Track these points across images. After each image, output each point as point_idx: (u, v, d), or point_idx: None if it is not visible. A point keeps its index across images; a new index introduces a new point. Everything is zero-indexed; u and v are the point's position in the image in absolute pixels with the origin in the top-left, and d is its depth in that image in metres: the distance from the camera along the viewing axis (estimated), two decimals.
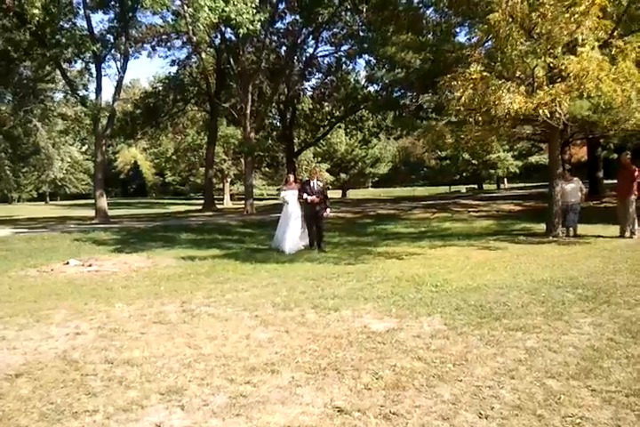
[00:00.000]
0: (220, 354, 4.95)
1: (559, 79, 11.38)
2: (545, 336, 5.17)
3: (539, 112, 10.96)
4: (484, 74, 11.39)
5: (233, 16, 19.72)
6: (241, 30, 20.77)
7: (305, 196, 12.68)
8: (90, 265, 11.28)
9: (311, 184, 12.92)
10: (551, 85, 11.15)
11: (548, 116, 11.21)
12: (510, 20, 11.24)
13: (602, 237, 13.28)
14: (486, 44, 14.39)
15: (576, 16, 10.51)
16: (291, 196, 13.03)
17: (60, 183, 66.82)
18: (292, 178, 13.69)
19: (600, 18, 10.77)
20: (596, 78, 10.37)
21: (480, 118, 12.30)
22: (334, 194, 60.79)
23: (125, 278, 9.73)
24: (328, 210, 13.09)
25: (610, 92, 10.49)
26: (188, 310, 6.74)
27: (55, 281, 9.70)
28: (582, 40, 10.78)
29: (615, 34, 11.97)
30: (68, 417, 3.73)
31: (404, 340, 5.20)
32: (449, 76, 12.25)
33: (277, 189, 14.10)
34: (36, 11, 20.60)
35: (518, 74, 12.31)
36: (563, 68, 10.72)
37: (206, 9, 19.26)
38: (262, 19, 21.47)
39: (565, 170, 14.92)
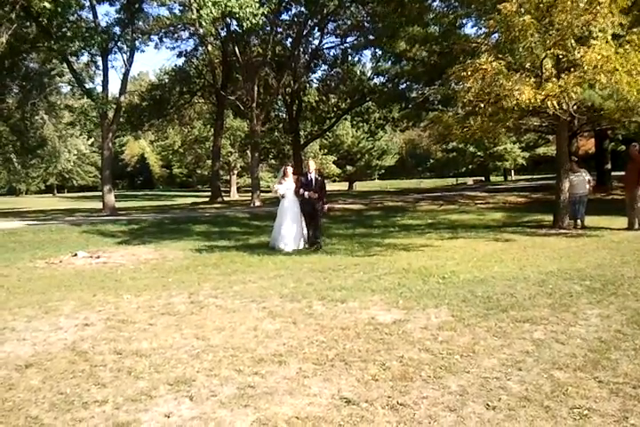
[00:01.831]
0: (228, 345, 4.97)
1: (568, 71, 11.32)
2: (552, 328, 5.16)
3: (547, 104, 10.92)
4: (495, 64, 11.34)
5: (236, 10, 19.70)
6: (244, 24, 20.76)
7: (302, 191, 11.69)
8: (98, 257, 11.33)
9: (309, 177, 11.83)
10: (561, 77, 11.11)
11: (557, 107, 11.16)
12: (522, 10, 11.18)
13: (610, 229, 13.23)
14: (493, 36, 14.33)
15: (598, 8, 10.44)
16: (287, 189, 11.93)
17: (67, 175, 67.14)
18: (290, 170, 12.26)
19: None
20: (613, 69, 10.32)
21: (490, 109, 12.27)
22: (341, 186, 60.86)
23: (133, 270, 9.76)
24: (326, 206, 12.17)
25: (623, 84, 10.43)
26: (195, 302, 6.77)
27: (63, 273, 9.75)
28: (598, 32, 10.72)
29: (625, 26, 11.90)
30: (78, 407, 3.76)
31: (411, 331, 5.21)
32: (458, 66, 12.22)
33: (278, 183, 12.91)
34: (46, 4, 20.61)
35: (528, 66, 12.25)
36: (578, 57, 10.67)
37: (210, 4, 19.27)
38: (265, 12, 21.43)
39: (573, 161, 14.87)
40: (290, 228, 11.76)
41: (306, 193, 11.60)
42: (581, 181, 14.19)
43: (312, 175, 11.81)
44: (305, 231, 12.01)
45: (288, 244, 11.66)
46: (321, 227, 12.34)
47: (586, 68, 10.55)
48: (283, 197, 11.97)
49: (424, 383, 3.98)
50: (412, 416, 3.48)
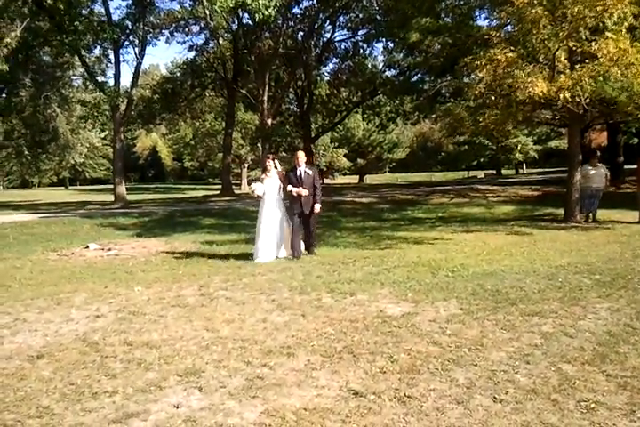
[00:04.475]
0: (237, 337, 5.00)
1: (582, 63, 11.23)
2: (561, 321, 5.15)
3: (559, 96, 10.85)
4: (510, 55, 11.28)
5: (249, 2, 19.71)
6: (256, 15, 20.77)
7: (290, 188, 9.66)
8: (109, 249, 11.43)
9: (298, 172, 9.76)
10: (574, 69, 11.04)
11: (569, 100, 11.09)
12: (535, 2, 11.10)
13: (621, 222, 13.16)
14: (506, 28, 14.25)
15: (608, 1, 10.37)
16: (267, 187, 9.68)
17: (79, 168, 67.45)
18: (271, 164, 9.92)
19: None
20: (629, 62, 10.25)
21: (501, 101, 12.21)
22: (351, 179, 60.78)
23: (144, 262, 9.83)
24: (317, 206, 9.80)
25: (639, 78, 10.37)
26: (205, 294, 6.81)
27: (75, 265, 9.84)
28: (613, 24, 10.63)
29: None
30: (88, 398, 3.80)
31: (419, 324, 5.21)
32: (470, 57, 12.17)
33: (252, 179, 11.44)
34: (60, 5, 20.77)
35: (541, 58, 12.18)
36: (594, 49, 10.59)
37: None
38: (277, 4, 21.41)
39: (594, 155, 14.78)
40: (266, 234, 9.61)
41: (294, 189, 9.64)
42: (599, 174, 14.06)
43: (301, 169, 9.79)
44: (287, 238, 9.79)
45: (264, 254, 9.56)
46: (314, 232, 10.27)
47: (601, 60, 10.47)
48: (260, 196, 9.77)
49: (432, 376, 3.99)
50: (420, 408, 3.50)
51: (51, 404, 3.73)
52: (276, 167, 9.93)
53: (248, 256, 9.75)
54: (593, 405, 3.46)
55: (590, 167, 14.03)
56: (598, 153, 15.31)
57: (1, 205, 29.89)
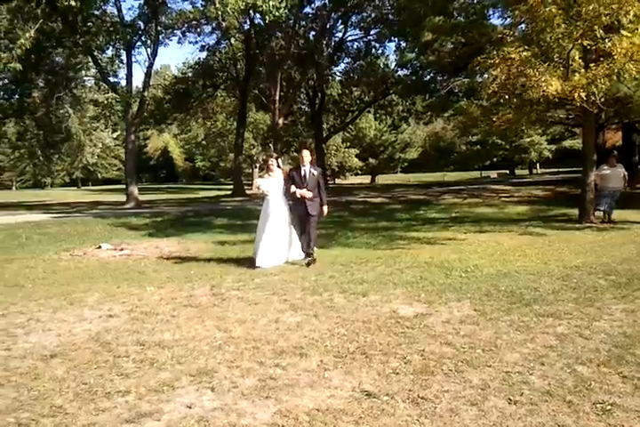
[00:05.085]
0: (249, 337, 4.99)
1: (597, 62, 11.14)
2: (576, 322, 5.10)
3: (574, 95, 10.77)
4: (524, 54, 11.21)
5: (259, 3, 19.78)
6: (267, 17, 20.87)
7: (293, 189, 9.15)
8: (122, 249, 11.47)
9: (302, 172, 9.25)
10: (589, 67, 10.96)
11: (584, 99, 11.00)
12: (548, 0, 11.03)
13: (637, 223, 13.03)
14: (519, 27, 14.16)
15: None
16: (271, 186, 9.18)
17: (92, 169, 67.83)
18: (274, 163, 9.44)
19: None
20: None
21: (515, 101, 12.14)
22: (363, 179, 60.65)
23: (156, 262, 9.86)
24: (325, 208, 9.43)
25: None
26: (217, 294, 6.81)
27: (88, 265, 9.88)
28: (628, 23, 10.54)
29: None
30: (101, 397, 3.80)
31: (432, 325, 5.18)
32: (484, 56, 12.11)
33: (259, 176, 11.18)
34: (72, 2, 20.89)
35: (555, 57, 12.09)
36: (609, 46, 10.51)
37: None
38: (288, 5, 21.48)
39: (612, 155, 14.65)
40: (273, 237, 9.04)
41: (297, 191, 9.14)
42: (616, 175, 13.92)
43: (306, 169, 9.29)
44: (296, 240, 9.37)
45: (269, 258, 8.93)
46: (314, 236, 9.49)
47: (616, 57, 10.38)
48: (266, 195, 9.25)
49: (445, 377, 3.95)
50: (433, 410, 3.47)
51: (64, 403, 3.73)
52: (279, 166, 9.56)
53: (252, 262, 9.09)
54: (609, 407, 3.42)
55: (607, 167, 13.90)
56: (616, 153, 15.17)
57: (14, 205, 30.16)
